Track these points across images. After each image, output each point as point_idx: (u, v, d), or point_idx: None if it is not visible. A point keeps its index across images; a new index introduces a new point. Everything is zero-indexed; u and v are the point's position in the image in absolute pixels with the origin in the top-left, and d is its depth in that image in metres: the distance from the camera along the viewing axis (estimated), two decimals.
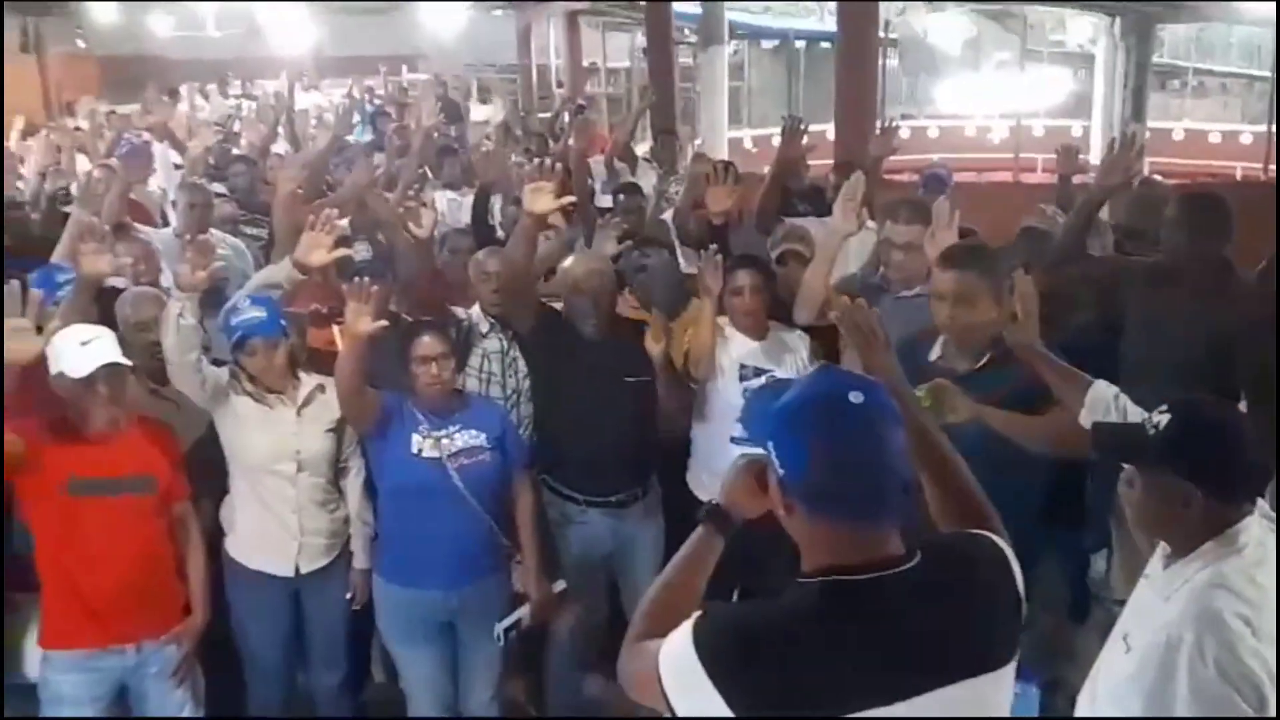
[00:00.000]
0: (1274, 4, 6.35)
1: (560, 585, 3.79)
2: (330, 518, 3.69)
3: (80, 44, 19.24)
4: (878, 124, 6.88)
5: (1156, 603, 2.09)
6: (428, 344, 3.52)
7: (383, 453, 3.56)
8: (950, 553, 1.70)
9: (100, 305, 3.68)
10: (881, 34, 9.73)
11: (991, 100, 18.17)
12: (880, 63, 11.12)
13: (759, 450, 1.72)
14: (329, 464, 3.66)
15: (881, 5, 9.66)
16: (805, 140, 5.10)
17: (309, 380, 3.63)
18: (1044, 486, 3.28)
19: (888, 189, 5.38)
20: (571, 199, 4.08)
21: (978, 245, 3.64)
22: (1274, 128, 13.22)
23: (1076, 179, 5.36)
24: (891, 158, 5.50)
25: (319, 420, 3.61)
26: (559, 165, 3.90)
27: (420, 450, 3.50)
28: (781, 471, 1.64)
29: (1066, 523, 3.99)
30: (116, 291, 3.92)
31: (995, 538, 1.76)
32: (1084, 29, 18.18)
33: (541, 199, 3.73)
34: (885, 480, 1.59)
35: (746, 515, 1.87)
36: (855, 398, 1.60)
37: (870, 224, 4.29)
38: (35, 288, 3.50)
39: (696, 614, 1.64)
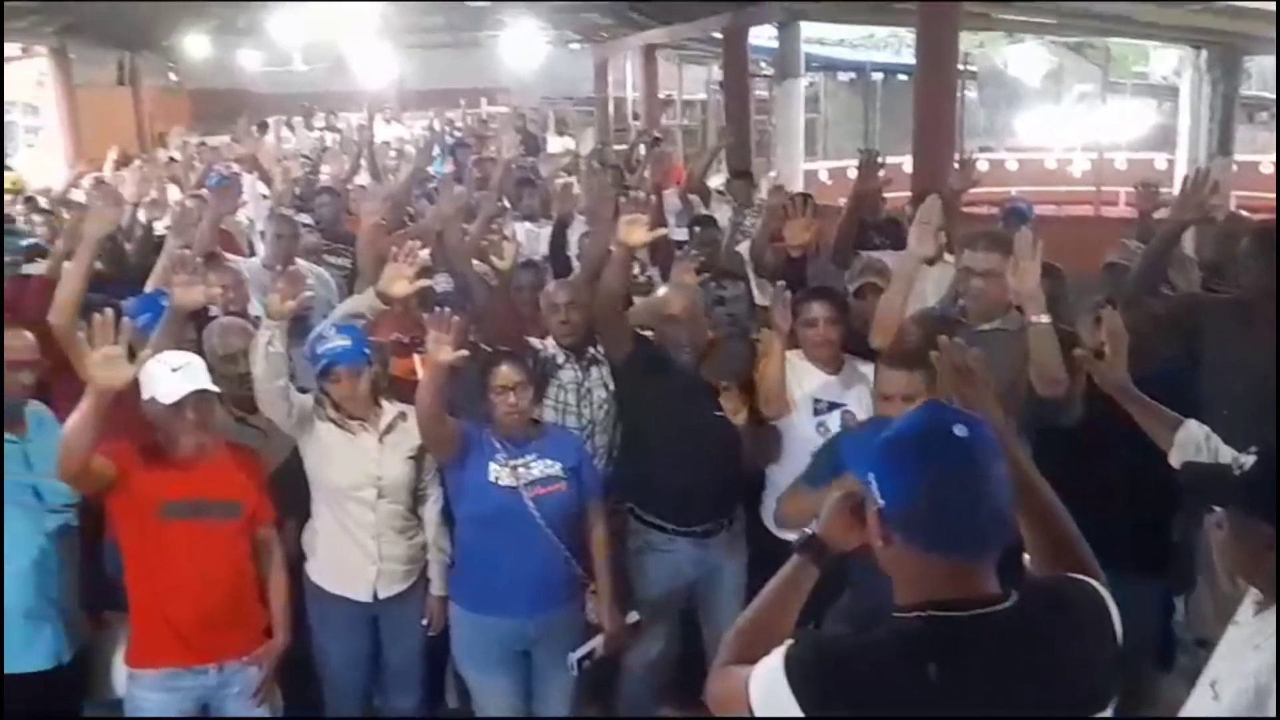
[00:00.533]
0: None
1: (634, 617, 3.80)
2: (409, 544, 3.73)
3: (173, 78, 19.88)
4: (956, 157, 6.79)
5: (1246, 650, 2.03)
6: (505, 373, 3.55)
7: (461, 481, 3.59)
8: (1049, 594, 1.69)
9: (194, 331, 3.82)
10: (960, 66, 9.64)
11: (1072, 133, 17.93)
12: (959, 95, 11.06)
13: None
14: (409, 491, 3.71)
15: (961, 37, 9.59)
16: (881, 173, 5.08)
17: (391, 408, 3.69)
18: (1129, 527, 3.21)
19: (966, 222, 5.32)
20: (663, 231, 4.12)
21: None
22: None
23: (1158, 213, 5.26)
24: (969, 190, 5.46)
25: (400, 447, 3.66)
26: (653, 197, 3.93)
27: (498, 479, 3.53)
28: (882, 503, 1.64)
29: (1151, 565, 3.89)
30: (210, 317, 4.04)
31: (1095, 582, 1.73)
32: (1168, 61, 17.91)
33: (636, 231, 3.79)
34: (986, 515, 1.59)
35: (842, 547, 1.87)
36: (960, 431, 1.60)
37: (948, 258, 4.24)
38: (139, 314, 3.64)
39: (789, 641, 1.64)
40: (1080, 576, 1.75)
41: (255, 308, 4.55)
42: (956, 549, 1.59)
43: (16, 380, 3.16)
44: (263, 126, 15.29)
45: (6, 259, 5.25)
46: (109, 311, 2.92)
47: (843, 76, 20.07)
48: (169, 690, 3.27)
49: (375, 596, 3.67)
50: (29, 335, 3.27)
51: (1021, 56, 18.19)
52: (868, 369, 4.00)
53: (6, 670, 3.11)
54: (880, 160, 5.10)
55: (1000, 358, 3.72)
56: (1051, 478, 1.94)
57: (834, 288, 4.36)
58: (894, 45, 19.18)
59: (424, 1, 15.62)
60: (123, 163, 11.66)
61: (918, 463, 1.61)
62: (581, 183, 7.74)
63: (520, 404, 3.55)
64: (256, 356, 3.44)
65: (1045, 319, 3.39)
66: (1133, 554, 3.24)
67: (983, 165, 15.86)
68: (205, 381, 3.21)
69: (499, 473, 3.54)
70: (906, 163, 9.90)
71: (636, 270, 4.99)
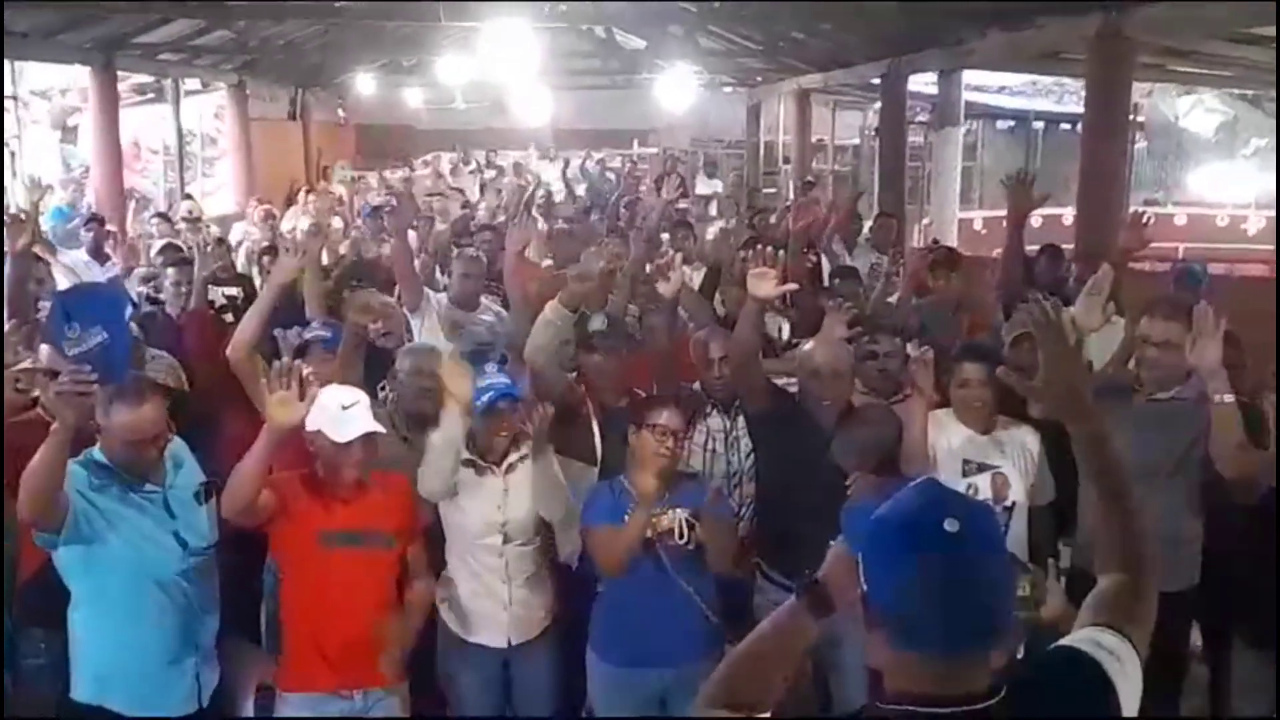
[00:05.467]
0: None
1: None
2: (541, 589, 3.73)
3: (340, 113, 20.72)
4: (1127, 212, 6.55)
5: None
6: (668, 417, 3.53)
7: (595, 530, 3.56)
8: (1041, 687, 1.60)
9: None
10: (1129, 116, 9.30)
11: (1246, 189, 17.11)
12: (1129, 147, 10.66)
13: None
14: (536, 533, 3.71)
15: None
16: (1035, 193, 4.94)
17: (515, 451, 3.71)
18: None
19: (1132, 279, 5.11)
20: (793, 286, 4.07)
21: None
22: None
23: None
24: None
25: (523, 488, 3.67)
26: (781, 252, 3.90)
27: None
28: (865, 589, 1.56)
29: None
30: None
31: (1102, 654, 1.64)
32: None
33: (764, 284, 3.75)
34: (970, 617, 1.49)
35: (844, 603, 1.76)
36: (950, 526, 1.49)
37: (1115, 318, 4.08)
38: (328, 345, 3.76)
39: None
40: (1085, 652, 1.65)
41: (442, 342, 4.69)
42: (938, 648, 1.50)
43: (144, 456, 3.13)
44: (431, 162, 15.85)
45: (185, 288, 5.53)
46: (288, 360, 3.06)
47: (1002, 124, 19.63)
48: (316, 714, 3.34)
49: (509, 643, 3.68)
50: (157, 408, 3.15)
51: (1194, 108, 17.49)
52: (1020, 430, 3.87)
53: (138, 714, 3.15)
54: (1030, 179, 4.96)
55: (1176, 428, 3.55)
56: (1227, 553, 1.84)
57: (989, 347, 4.22)
58: (1057, 93, 18.69)
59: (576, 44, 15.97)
60: (291, 199, 12.17)
61: (900, 556, 1.51)
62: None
63: (674, 453, 3.51)
64: (443, 451, 3.52)
65: (1229, 398, 3.23)
66: None
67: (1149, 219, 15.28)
68: (373, 423, 3.29)
69: None
70: (1067, 215, 9.61)
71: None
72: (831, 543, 3.59)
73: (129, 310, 2.92)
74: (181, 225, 9.24)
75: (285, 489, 3.25)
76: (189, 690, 3.25)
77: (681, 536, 3.50)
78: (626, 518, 3.48)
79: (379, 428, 3.30)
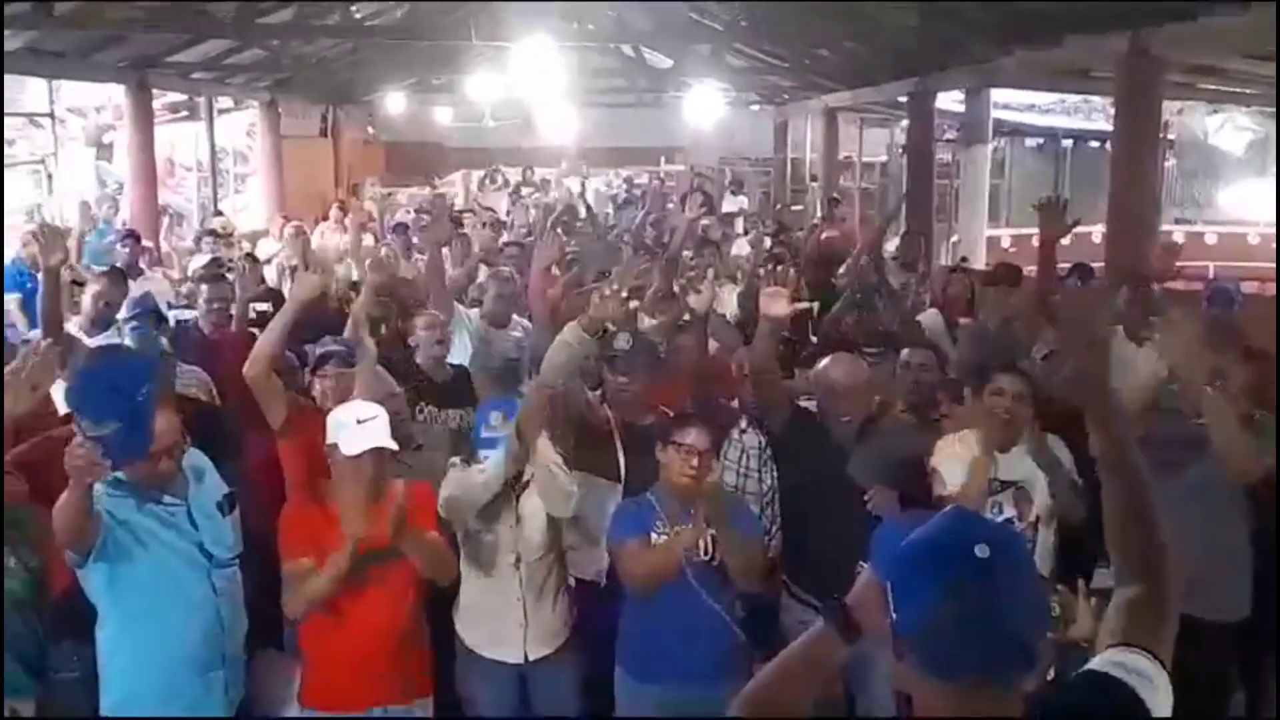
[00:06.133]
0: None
1: None
2: (558, 604, 3.73)
3: (370, 130, 20.90)
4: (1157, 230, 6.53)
5: None
6: (695, 436, 3.52)
7: (622, 548, 3.57)
8: (1069, 718, 1.58)
9: None
10: (1159, 134, 9.26)
11: (1277, 207, 16.91)
12: (1160, 165, 10.59)
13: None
14: (551, 549, 3.71)
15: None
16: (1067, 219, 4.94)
17: (528, 467, 3.66)
18: None
19: (1163, 295, 5.10)
20: (810, 304, 4.12)
21: None
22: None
23: None
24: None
25: (538, 504, 3.65)
26: (792, 271, 3.94)
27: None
28: (895, 617, 1.54)
29: None
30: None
31: (1132, 678, 1.59)
32: None
33: (778, 303, 3.77)
34: (1002, 644, 1.46)
35: (873, 629, 1.73)
36: (981, 551, 1.47)
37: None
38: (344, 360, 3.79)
39: None
40: (1124, 682, 1.60)
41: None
42: (964, 676, 1.48)
43: (158, 468, 3.12)
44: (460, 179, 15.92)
45: (219, 304, 5.59)
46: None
47: (1030, 142, 19.54)
48: None
49: (526, 658, 3.67)
50: (169, 419, 3.17)
51: (1224, 126, 17.35)
52: (1051, 446, 3.84)
53: None
54: (1063, 204, 4.94)
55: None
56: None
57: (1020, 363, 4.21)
58: (1085, 111, 18.59)
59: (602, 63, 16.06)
60: (324, 215, 12.27)
61: (928, 582, 1.49)
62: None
63: (700, 472, 3.48)
64: (479, 483, 3.51)
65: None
66: None
67: (1178, 237, 15.16)
68: (385, 439, 3.27)
69: (659, 541, 3.50)
70: (1097, 232, 9.55)
71: None
72: (859, 563, 3.61)
73: (148, 386, 2.81)
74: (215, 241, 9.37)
75: (301, 509, 3.29)
76: (218, 702, 3.26)
77: (707, 553, 3.50)
78: (653, 534, 3.49)
79: (389, 444, 3.27)
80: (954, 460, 3.56)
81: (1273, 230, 17.38)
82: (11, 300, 5.75)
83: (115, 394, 2.66)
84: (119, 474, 3.03)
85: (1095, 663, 1.66)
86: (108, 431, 2.59)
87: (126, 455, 2.72)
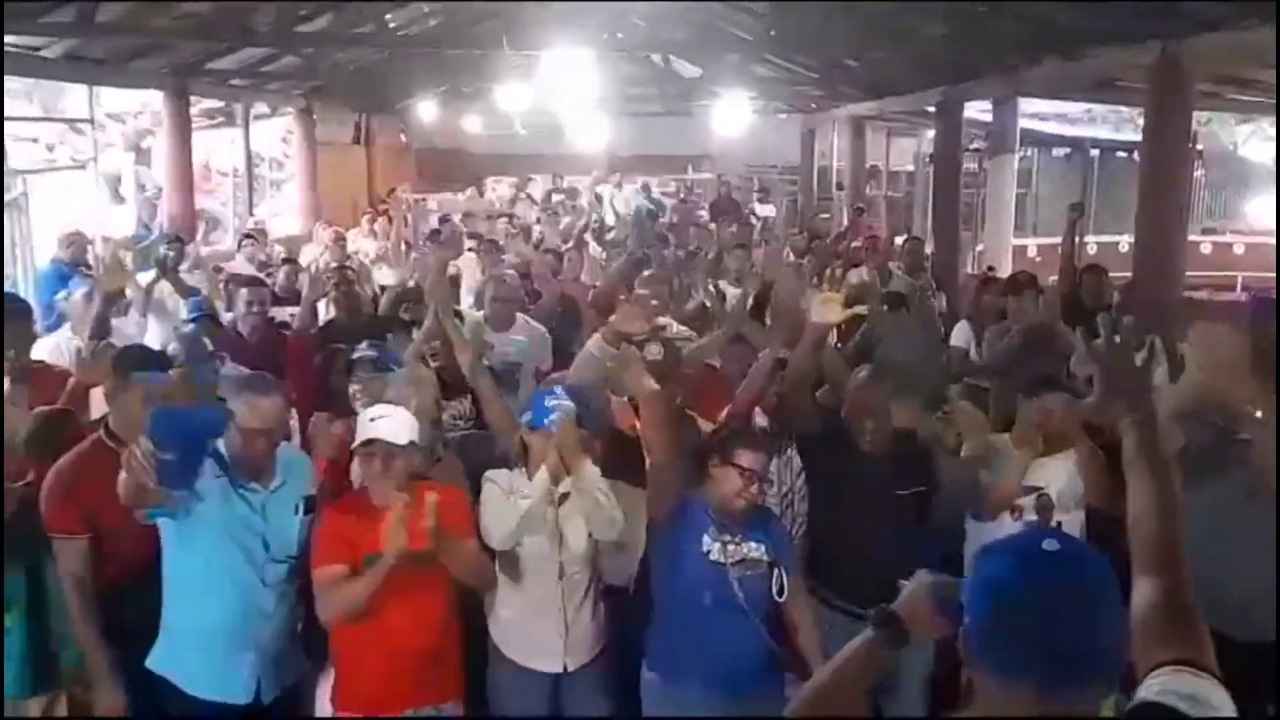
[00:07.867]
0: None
1: None
2: (596, 612, 3.73)
3: (402, 138, 21.09)
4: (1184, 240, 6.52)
5: None
6: (753, 459, 3.50)
7: (673, 548, 3.57)
8: None
9: None
10: (1188, 145, 9.24)
11: None
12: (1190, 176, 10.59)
13: None
14: (590, 558, 3.69)
15: None
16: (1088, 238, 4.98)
17: (567, 476, 3.62)
18: None
19: (1192, 306, 5.12)
20: (863, 309, 4.12)
21: None
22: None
23: None
24: (1193, 273, 5.28)
25: (578, 517, 3.60)
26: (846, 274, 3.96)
27: (709, 552, 3.50)
28: (967, 619, 1.53)
29: None
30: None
31: (1186, 704, 1.52)
32: None
33: (832, 310, 3.78)
34: (1072, 643, 1.43)
35: (922, 636, 1.76)
36: (1049, 545, 1.48)
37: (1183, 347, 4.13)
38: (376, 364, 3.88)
39: None
40: (1178, 707, 1.53)
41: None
42: (1034, 678, 1.44)
43: (257, 449, 3.23)
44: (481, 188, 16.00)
45: (257, 308, 5.73)
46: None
47: (1057, 152, 19.51)
48: None
49: (565, 668, 3.66)
50: (278, 405, 3.30)
51: (1252, 136, 17.26)
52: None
53: (197, 693, 3.26)
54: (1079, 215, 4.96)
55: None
56: None
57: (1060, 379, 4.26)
58: (1113, 121, 18.54)
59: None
60: (358, 222, 12.41)
61: (997, 572, 1.50)
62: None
63: (757, 493, 3.52)
64: (519, 516, 3.51)
65: None
66: None
67: (1206, 249, 15.02)
68: (389, 434, 3.28)
69: (711, 546, 3.50)
70: (1124, 242, 9.57)
71: None
72: (883, 568, 3.65)
73: (213, 441, 3.11)
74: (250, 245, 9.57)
75: (336, 514, 3.34)
76: (245, 685, 3.28)
77: (751, 567, 3.52)
78: (706, 537, 3.49)
79: (388, 438, 3.27)
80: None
81: None
82: (66, 300, 5.92)
83: (185, 434, 2.89)
84: (221, 448, 3.17)
85: (1150, 692, 1.58)
86: (164, 458, 2.79)
87: (170, 480, 2.89)
